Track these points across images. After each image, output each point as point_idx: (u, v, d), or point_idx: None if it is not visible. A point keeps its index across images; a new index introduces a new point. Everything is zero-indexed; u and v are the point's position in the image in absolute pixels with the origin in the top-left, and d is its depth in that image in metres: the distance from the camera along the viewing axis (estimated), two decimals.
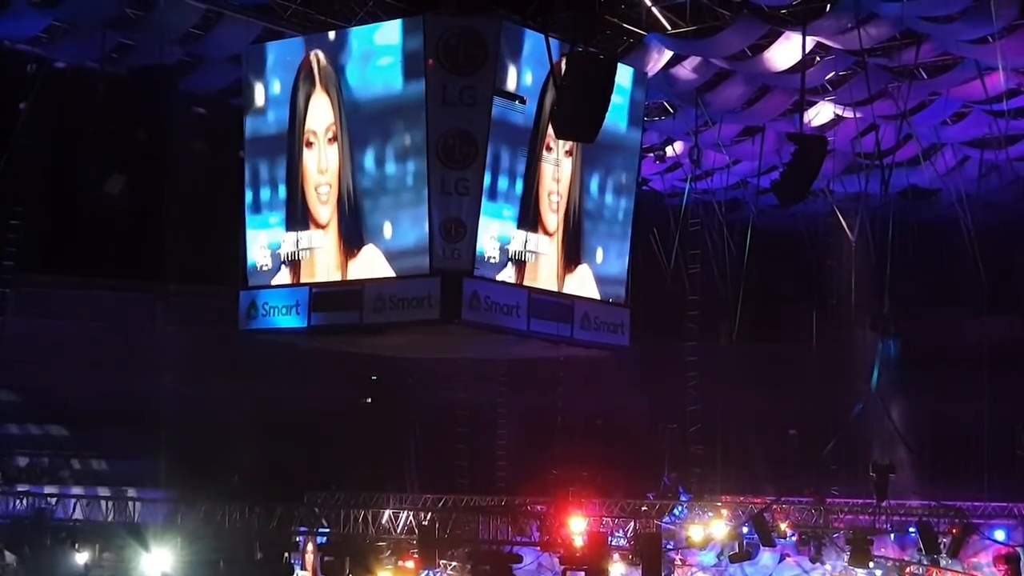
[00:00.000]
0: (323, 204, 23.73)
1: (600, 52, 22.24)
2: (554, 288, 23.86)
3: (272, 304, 24.41)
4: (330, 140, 23.61)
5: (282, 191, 24.37)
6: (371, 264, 23.02)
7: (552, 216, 23.85)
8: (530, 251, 23.53)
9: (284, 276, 24.38)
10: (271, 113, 24.51)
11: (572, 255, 24.26)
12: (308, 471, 33.66)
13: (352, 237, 23.30)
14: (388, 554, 28.43)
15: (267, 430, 34.22)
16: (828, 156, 27.05)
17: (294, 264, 24.24)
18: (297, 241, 24.21)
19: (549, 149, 23.57)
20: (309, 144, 23.92)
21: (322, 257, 23.80)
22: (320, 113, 23.73)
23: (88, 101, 25.95)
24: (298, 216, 24.17)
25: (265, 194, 24.62)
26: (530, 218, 23.47)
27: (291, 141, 24.23)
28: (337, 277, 23.50)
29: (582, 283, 24.40)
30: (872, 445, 32.22)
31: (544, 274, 23.70)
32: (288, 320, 24.20)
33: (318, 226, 23.78)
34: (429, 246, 22.28)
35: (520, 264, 23.30)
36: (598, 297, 24.64)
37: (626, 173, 25.00)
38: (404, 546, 28.14)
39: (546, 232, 23.74)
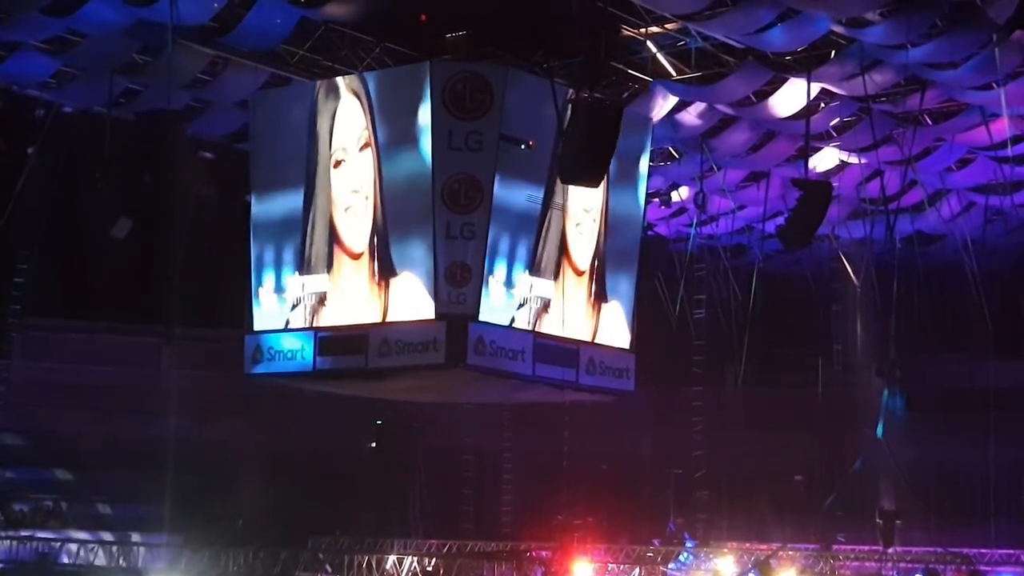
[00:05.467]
0: (357, 229, 23.69)
1: (606, 98, 22.35)
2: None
3: (277, 348, 24.44)
4: (362, 148, 23.61)
5: (292, 235, 24.47)
6: (409, 295, 22.90)
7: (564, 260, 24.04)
8: (536, 296, 23.56)
9: (290, 320, 24.41)
10: (282, 160, 24.70)
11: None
12: (313, 516, 33.53)
13: (386, 263, 23.21)
14: None
15: (272, 474, 34.15)
16: (833, 202, 27.20)
17: (301, 308, 24.25)
18: (303, 285, 24.25)
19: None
20: (338, 164, 23.94)
21: (342, 296, 23.81)
22: (350, 121, 23.80)
23: (95, 146, 26.02)
24: (307, 260, 24.23)
25: (273, 240, 24.71)
26: (537, 263, 23.54)
27: (308, 182, 24.36)
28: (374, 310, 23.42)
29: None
30: (879, 491, 32.07)
31: (552, 318, 23.74)
32: (293, 364, 24.19)
33: (352, 256, 23.71)
34: (434, 291, 22.31)
35: (526, 308, 23.34)
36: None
37: None
38: None
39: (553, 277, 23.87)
